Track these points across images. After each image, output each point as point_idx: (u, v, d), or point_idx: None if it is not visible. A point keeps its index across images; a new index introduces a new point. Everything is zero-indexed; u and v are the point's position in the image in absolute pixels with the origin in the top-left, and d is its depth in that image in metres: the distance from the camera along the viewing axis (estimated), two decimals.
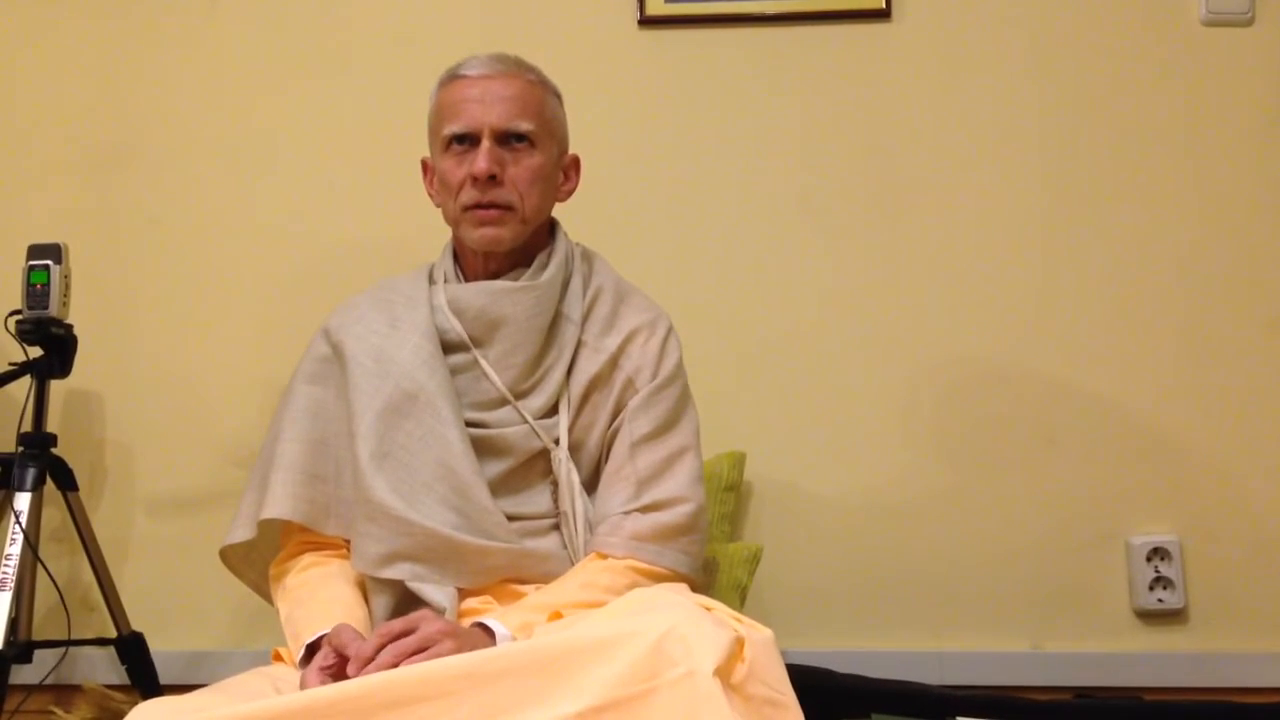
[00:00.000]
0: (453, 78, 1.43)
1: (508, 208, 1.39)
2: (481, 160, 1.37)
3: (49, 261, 1.82)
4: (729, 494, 1.90)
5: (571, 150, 1.51)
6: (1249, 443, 2.02)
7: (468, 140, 1.40)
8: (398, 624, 1.18)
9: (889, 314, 2.08)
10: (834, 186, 2.11)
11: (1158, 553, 1.99)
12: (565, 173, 1.49)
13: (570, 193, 1.51)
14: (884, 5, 2.12)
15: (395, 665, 1.11)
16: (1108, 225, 2.08)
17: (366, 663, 1.13)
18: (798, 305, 2.08)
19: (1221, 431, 2.03)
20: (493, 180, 1.38)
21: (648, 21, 2.14)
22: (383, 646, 1.14)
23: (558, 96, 1.48)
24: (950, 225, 2.09)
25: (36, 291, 1.81)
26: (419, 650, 1.13)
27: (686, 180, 2.12)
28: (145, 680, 1.86)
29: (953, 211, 2.10)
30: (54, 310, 1.81)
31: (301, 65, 2.18)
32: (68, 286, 1.84)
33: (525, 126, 1.40)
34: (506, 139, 1.40)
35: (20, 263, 1.83)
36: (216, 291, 2.13)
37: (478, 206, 1.39)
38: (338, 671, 1.16)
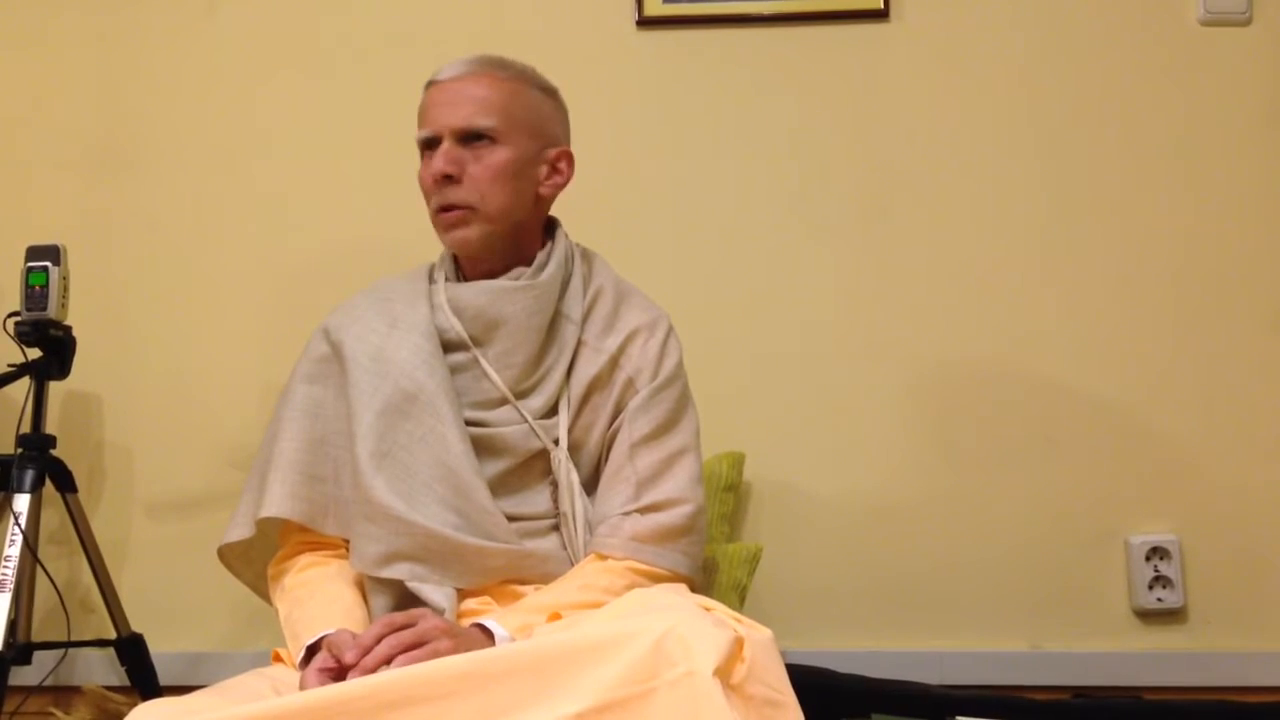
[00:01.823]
0: (429, 84, 1.44)
1: (468, 207, 1.38)
2: (437, 161, 1.38)
3: (47, 263, 1.82)
4: (728, 494, 1.90)
5: (573, 146, 1.49)
6: (1248, 442, 2.02)
7: (434, 144, 1.40)
8: (399, 616, 1.18)
9: (888, 314, 2.08)
10: (832, 187, 2.11)
11: (1157, 552, 1.99)
12: (554, 166, 1.45)
13: (558, 187, 1.46)
14: (882, 6, 2.12)
15: (392, 656, 1.12)
16: (1106, 225, 2.08)
17: (365, 650, 1.14)
18: (796, 305, 2.08)
19: (1220, 431, 2.03)
20: (451, 180, 1.38)
21: (646, 22, 2.14)
22: (383, 636, 1.15)
23: (544, 90, 1.46)
24: (949, 226, 2.09)
25: (35, 293, 1.81)
26: (417, 644, 1.14)
27: (684, 180, 2.12)
28: (145, 681, 1.86)
29: (952, 212, 2.10)
30: (52, 312, 1.81)
31: (300, 66, 2.18)
32: (66, 288, 1.84)
33: (484, 123, 1.38)
34: (468, 138, 1.39)
35: (19, 264, 1.83)
36: (215, 293, 2.13)
37: (441, 209, 1.40)
38: (337, 673, 1.15)
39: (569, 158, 1.47)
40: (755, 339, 2.08)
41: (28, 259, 1.83)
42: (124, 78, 2.19)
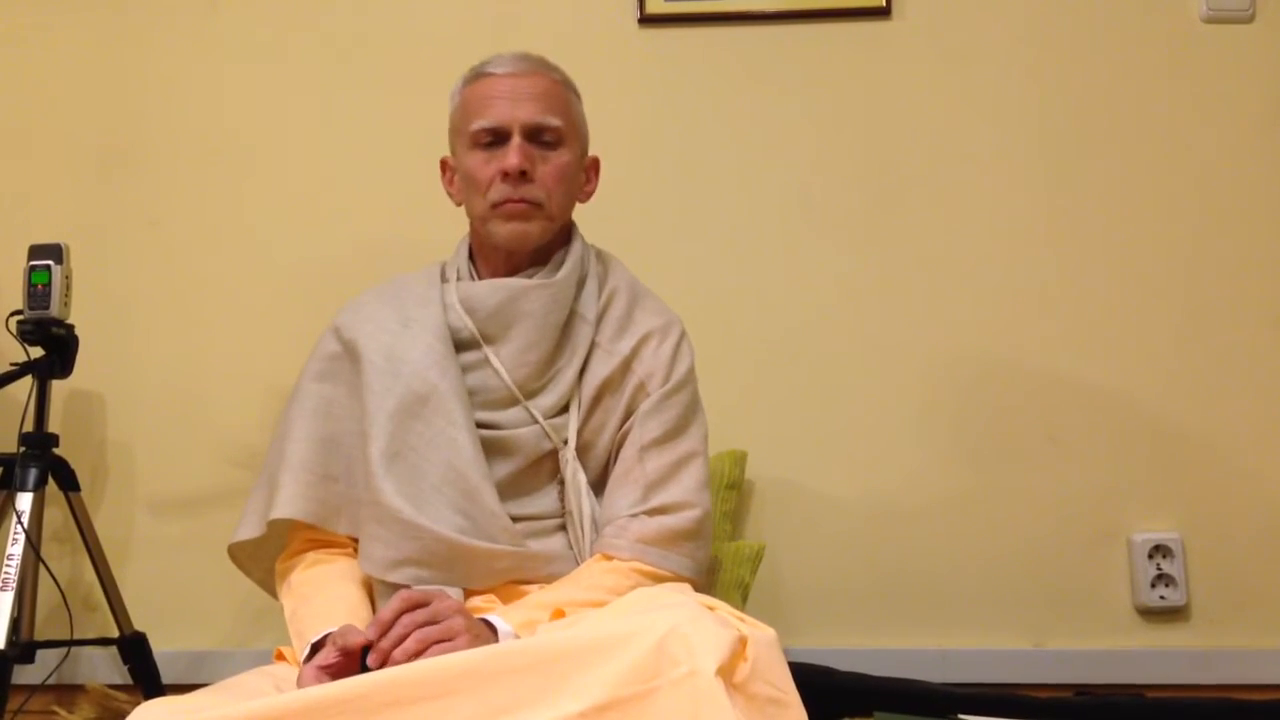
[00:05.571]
0: (478, 75, 1.44)
1: (536, 204, 1.40)
2: (513, 156, 1.38)
3: (50, 262, 1.81)
4: (731, 492, 1.90)
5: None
6: (1251, 439, 2.02)
7: (497, 136, 1.40)
8: (416, 594, 1.19)
9: (890, 311, 2.08)
10: (836, 184, 2.11)
11: (1159, 550, 1.99)
12: (587, 174, 1.51)
13: (590, 194, 1.52)
14: (884, 3, 2.12)
15: (408, 634, 1.14)
16: (1109, 222, 2.08)
17: (385, 627, 1.15)
18: (800, 302, 2.08)
19: (1223, 428, 2.03)
20: (523, 176, 1.39)
21: (648, 20, 2.14)
22: (401, 613, 1.16)
23: (579, 97, 1.49)
24: (952, 223, 2.09)
25: (38, 292, 1.81)
26: (431, 623, 1.15)
27: (688, 179, 2.12)
28: (147, 680, 1.86)
29: (954, 209, 2.10)
30: (55, 310, 1.81)
31: (304, 65, 2.18)
32: (69, 287, 1.84)
33: (555, 123, 1.41)
34: (535, 136, 1.40)
35: (21, 263, 1.83)
36: (218, 292, 2.13)
37: (509, 201, 1.39)
38: (338, 670, 1.16)
39: (598, 166, 1.53)
40: (758, 336, 2.08)
41: (30, 258, 1.83)
42: (125, 76, 2.19)
